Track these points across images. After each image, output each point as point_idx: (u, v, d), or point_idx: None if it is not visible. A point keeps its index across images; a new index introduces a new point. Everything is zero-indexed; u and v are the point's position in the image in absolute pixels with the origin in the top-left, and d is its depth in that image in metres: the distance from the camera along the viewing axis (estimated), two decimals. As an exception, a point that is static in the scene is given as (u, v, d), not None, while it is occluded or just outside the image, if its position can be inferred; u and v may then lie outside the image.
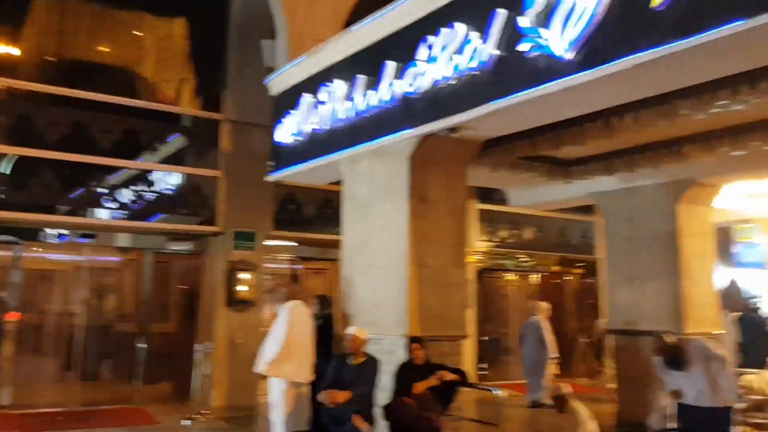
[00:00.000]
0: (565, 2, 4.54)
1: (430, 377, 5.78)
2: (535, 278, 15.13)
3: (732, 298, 12.98)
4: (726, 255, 13.39)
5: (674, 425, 6.40)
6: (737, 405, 6.01)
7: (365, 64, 6.58)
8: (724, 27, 3.70)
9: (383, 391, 5.94)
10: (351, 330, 6.00)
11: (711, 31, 3.77)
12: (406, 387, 5.81)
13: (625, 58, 4.19)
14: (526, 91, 4.87)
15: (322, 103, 7.20)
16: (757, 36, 3.71)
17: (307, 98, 7.50)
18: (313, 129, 7.42)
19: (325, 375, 5.95)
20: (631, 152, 7.46)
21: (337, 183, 8.07)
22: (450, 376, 5.83)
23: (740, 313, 12.31)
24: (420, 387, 5.77)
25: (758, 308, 14.18)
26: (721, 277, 10.19)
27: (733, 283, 14.49)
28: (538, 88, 4.78)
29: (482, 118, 5.42)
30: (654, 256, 8.36)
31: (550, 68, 4.68)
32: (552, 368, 9.46)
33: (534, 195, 9.86)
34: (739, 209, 10.10)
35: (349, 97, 6.76)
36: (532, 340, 9.47)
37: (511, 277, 14.58)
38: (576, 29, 4.46)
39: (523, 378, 9.94)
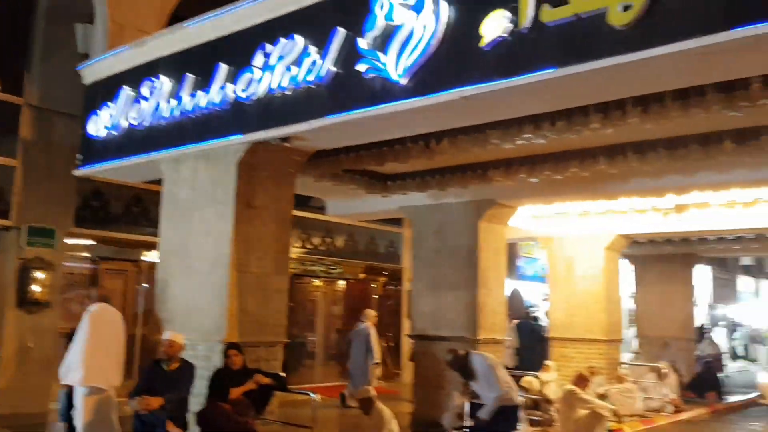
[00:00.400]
0: (402, 31, 4.86)
1: (246, 383, 5.82)
2: (341, 285, 15.59)
3: (514, 307, 14.49)
4: (511, 268, 14.90)
5: (467, 423, 7.07)
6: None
7: (196, 63, 6.43)
8: (538, 72, 4.23)
9: (198, 397, 5.86)
10: (168, 335, 5.84)
11: (527, 75, 4.29)
12: (221, 392, 5.79)
13: (453, 90, 4.61)
14: (362, 110, 5.12)
15: (145, 98, 6.89)
16: (563, 82, 4.29)
17: (127, 91, 7.13)
18: (132, 124, 7.07)
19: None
20: (443, 172, 8.06)
21: (153, 182, 7.76)
22: (266, 381, 5.92)
23: (519, 321, 13.81)
24: (236, 392, 5.78)
25: (536, 317, 15.97)
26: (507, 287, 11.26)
27: (515, 293, 16.17)
28: (373, 108, 5.06)
29: (316, 131, 5.59)
30: (456, 268, 9.09)
31: (385, 90, 4.97)
32: (377, 372, 9.86)
33: (351, 206, 10.23)
34: (527, 228, 11.28)
35: (176, 96, 6.55)
36: (359, 346, 9.79)
37: (318, 283, 14.90)
38: (411, 57, 4.80)
39: (327, 381, 10.27)
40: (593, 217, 10.49)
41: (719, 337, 21.29)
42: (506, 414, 6.53)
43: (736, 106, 4.82)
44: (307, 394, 6.14)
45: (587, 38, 4.02)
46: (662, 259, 14.24)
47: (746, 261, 30.35)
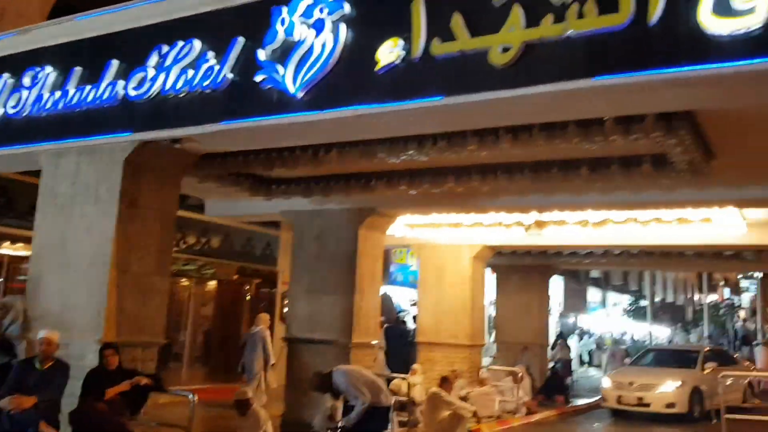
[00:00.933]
0: (302, 47, 5.12)
1: (122, 383, 5.79)
2: (212, 286, 15.45)
3: (385, 311, 15.02)
4: (384, 274, 15.43)
5: (337, 424, 7.36)
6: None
7: (86, 57, 6.32)
8: (426, 100, 4.65)
9: (72, 397, 5.75)
10: (43, 333, 5.69)
11: (416, 101, 4.69)
12: (96, 392, 5.71)
13: (348, 108, 4.92)
14: (257, 119, 5.32)
15: (27, 87, 6.64)
16: (447, 110, 4.73)
17: (5, 78, 6.83)
18: (9, 113, 6.78)
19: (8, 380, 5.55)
20: (327, 179, 8.33)
21: (24, 173, 7.47)
22: (144, 381, 5.91)
23: (388, 325, 14.36)
24: (111, 392, 5.73)
25: (405, 321, 16.62)
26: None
27: (386, 298, 16.73)
28: (268, 118, 5.27)
29: (209, 135, 5.70)
30: (334, 273, 9.38)
31: (281, 102, 5.20)
32: (271, 375, 9.87)
33: (231, 206, 10.26)
34: (401, 235, 11.82)
35: (61, 88, 6.38)
36: (253, 348, 9.79)
37: (187, 283, 14.69)
38: (309, 73, 5.07)
39: (193, 383, 10.19)
40: (463, 228, 11.20)
41: (570, 344, 23.04)
42: (376, 415, 6.90)
43: (592, 139, 5.48)
44: (186, 395, 6.18)
45: (471, 73, 4.48)
46: (522, 269, 15.32)
47: (595, 273, 33.05)
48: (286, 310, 14.58)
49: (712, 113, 5.08)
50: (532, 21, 4.30)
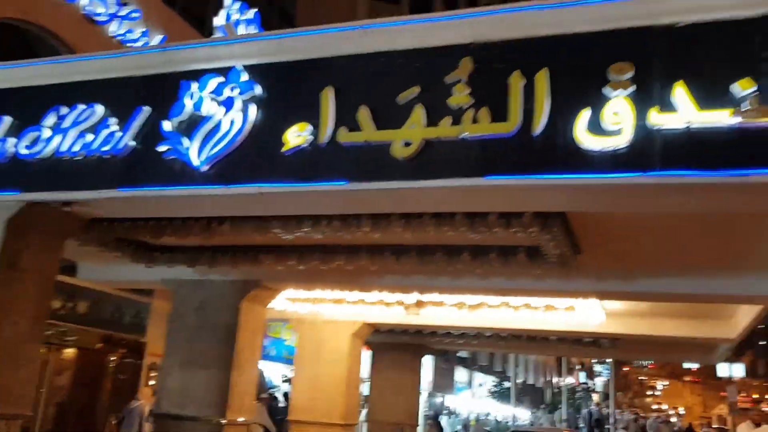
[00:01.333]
0: (210, 122, 5.25)
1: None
2: (70, 354, 14.47)
3: (257, 387, 14.70)
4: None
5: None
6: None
7: (-27, 110, 6.06)
8: (330, 183, 4.89)
9: None
10: None
11: (321, 184, 4.92)
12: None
13: (253, 185, 5.07)
14: (158, 188, 5.32)
15: None
16: (350, 194, 4.99)
17: None
18: None
19: None
20: (214, 249, 8.29)
21: None
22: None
23: (260, 401, 14.04)
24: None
25: (276, 397, 16.31)
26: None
27: (259, 373, 16.38)
28: (170, 188, 5.28)
29: (105, 201, 5.60)
30: (212, 346, 9.17)
31: (184, 174, 5.25)
32: None
33: (107, 271, 9.86)
34: (281, 309, 11.77)
35: (-57, 138, 6.06)
36: (132, 422, 9.18)
37: (43, 350, 13.68)
38: (216, 148, 5.18)
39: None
40: (345, 304, 11.37)
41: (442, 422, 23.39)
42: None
43: (477, 229, 5.91)
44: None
45: (374, 162, 4.79)
46: (397, 348, 15.59)
47: (463, 354, 34.00)
48: (152, 382, 13.93)
49: (581, 215, 5.68)
50: (432, 121, 4.70)
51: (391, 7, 26.29)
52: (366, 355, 16.04)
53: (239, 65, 5.32)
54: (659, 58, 4.32)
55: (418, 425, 16.41)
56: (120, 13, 13.77)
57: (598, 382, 73.85)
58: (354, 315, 11.90)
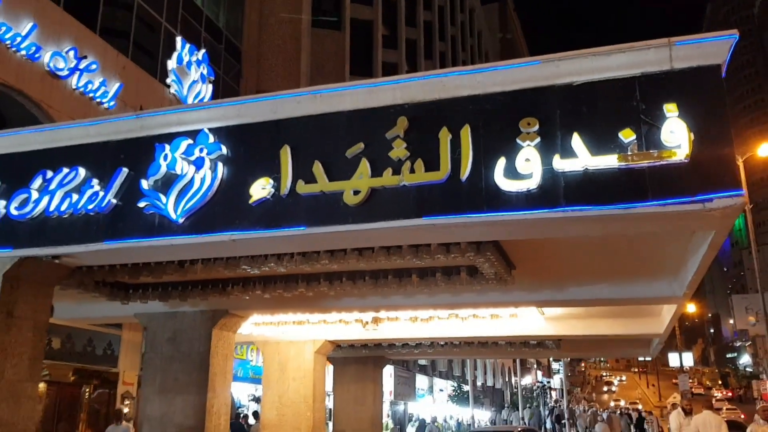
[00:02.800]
0: (183, 180, 6.00)
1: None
2: (45, 387, 14.80)
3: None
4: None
5: None
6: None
7: (-37, 175, 6.66)
8: (291, 229, 5.70)
9: None
10: None
11: (283, 230, 5.72)
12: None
13: (225, 233, 5.83)
14: (141, 240, 6.04)
15: None
16: (309, 237, 5.80)
17: None
18: None
19: None
20: (185, 284, 8.97)
21: None
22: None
23: (230, 422, 14.63)
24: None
25: (246, 416, 16.87)
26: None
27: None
28: (151, 239, 6.01)
29: (92, 253, 6.28)
30: (187, 372, 9.83)
31: (163, 226, 5.98)
32: None
33: (82, 309, 10.41)
34: (247, 333, 12.45)
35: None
36: None
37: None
38: (190, 203, 5.93)
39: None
40: (307, 325, 12.14)
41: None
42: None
43: (421, 257, 6.79)
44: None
45: (329, 209, 5.62)
46: (358, 360, 16.39)
47: (423, 362, 34.95)
48: (126, 410, 14.40)
49: (509, 240, 6.62)
50: (376, 172, 5.56)
51: (332, 33, 27.24)
52: (329, 370, 16.79)
53: (206, 128, 6.10)
54: (559, 112, 5.27)
55: (382, 433, 17.19)
56: (80, 66, 14.36)
57: (557, 380, 75.81)
58: (316, 334, 12.68)
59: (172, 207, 5.97)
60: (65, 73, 14.01)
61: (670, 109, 4.91)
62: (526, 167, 5.20)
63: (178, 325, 10.01)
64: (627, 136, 5.00)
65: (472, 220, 5.33)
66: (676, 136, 4.84)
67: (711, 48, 4.95)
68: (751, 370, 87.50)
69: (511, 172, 5.24)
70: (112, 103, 14.97)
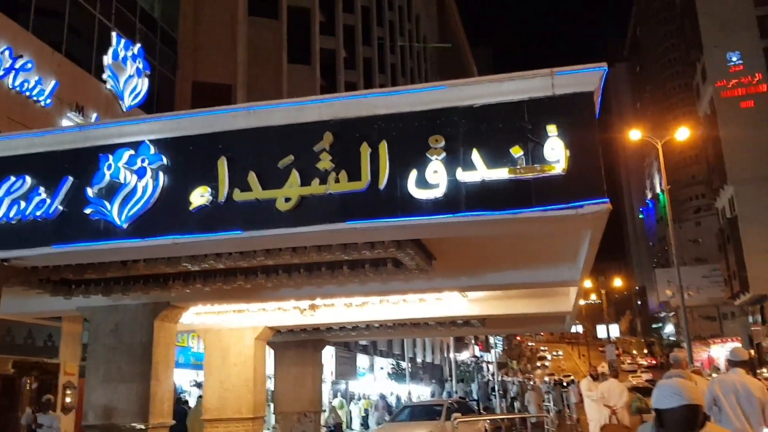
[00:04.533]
0: (127, 188, 6.56)
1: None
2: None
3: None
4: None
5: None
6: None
7: None
8: (229, 233, 6.36)
9: None
10: None
11: (221, 234, 6.37)
12: None
13: (167, 237, 6.45)
14: (87, 244, 6.58)
15: None
16: (246, 240, 6.47)
17: None
18: None
19: None
20: (127, 279, 9.47)
21: None
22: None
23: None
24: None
25: (187, 401, 17.42)
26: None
27: (169, 381, 17.44)
28: (97, 243, 6.56)
29: (40, 256, 6.78)
30: (130, 362, 10.34)
31: (108, 231, 6.55)
32: None
33: (23, 304, 10.73)
34: (189, 323, 12.99)
35: None
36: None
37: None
38: (134, 209, 6.51)
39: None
40: (247, 312, 12.77)
41: (342, 407, 25.13)
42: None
43: (349, 253, 7.55)
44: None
45: (263, 215, 6.30)
46: (297, 344, 17.08)
47: (364, 342, 35.93)
48: (68, 400, 14.75)
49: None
50: (305, 181, 6.26)
51: (269, 21, 27.46)
52: (271, 354, 17.46)
53: (147, 140, 6.66)
54: (462, 131, 6.08)
55: (322, 411, 17.99)
56: (15, 66, 14.41)
57: (494, 354, 77.92)
58: (256, 321, 13.32)
59: (116, 213, 6.53)
60: (0, 73, 14.06)
61: (551, 130, 5.79)
62: (434, 178, 6.00)
63: (120, 317, 10.49)
64: (516, 152, 5.86)
65: (388, 223, 6.11)
66: (556, 152, 5.73)
67: (585, 78, 5.83)
68: (674, 339, 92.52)
69: (422, 182, 6.03)
70: (48, 101, 15.08)
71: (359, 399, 30.53)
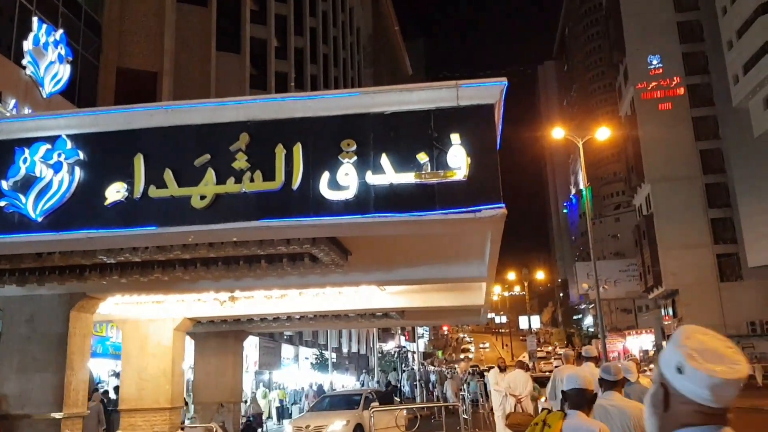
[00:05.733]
0: (42, 182, 6.62)
1: None
2: None
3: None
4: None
5: None
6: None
7: None
8: (144, 228, 6.52)
9: None
10: None
11: (137, 229, 6.53)
12: None
13: (82, 231, 6.55)
14: (2, 237, 6.61)
15: None
16: (161, 235, 6.65)
17: None
18: None
19: None
20: (42, 270, 9.42)
21: None
22: None
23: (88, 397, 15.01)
24: None
25: (106, 390, 17.21)
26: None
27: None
28: (11, 236, 6.60)
29: (-49, 247, 6.75)
30: (46, 352, 10.29)
31: (23, 224, 6.59)
32: None
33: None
34: (107, 313, 12.93)
35: None
36: None
37: None
38: (49, 203, 6.57)
39: None
40: (166, 303, 12.81)
41: (261, 398, 25.27)
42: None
43: (266, 249, 7.83)
44: None
45: (178, 211, 6.49)
46: (218, 335, 17.18)
47: (288, 332, 36.03)
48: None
49: (339, 234, 7.78)
50: (221, 180, 6.49)
51: (198, 9, 27.09)
52: (191, 344, 17.47)
53: (64, 135, 6.73)
54: (372, 136, 6.44)
55: (241, 402, 18.15)
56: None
57: (421, 344, 79.15)
58: (175, 312, 13.38)
59: (31, 206, 6.58)
60: None
61: (455, 138, 6.21)
62: (345, 180, 6.34)
63: (35, 307, 10.41)
64: (422, 158, 6.26)
65: (301, 222, 6.42)
66: (458, 159, 6.16)
67: (487, 91, 6.29)
68: (593, 330, 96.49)
69: (334, 184, 6.36)
70: (-36, 85, 14.58)
71: (274, 389, 30.59)
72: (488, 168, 6.16)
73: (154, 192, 6.51)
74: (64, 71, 17.43)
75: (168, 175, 6.53)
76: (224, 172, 6.50)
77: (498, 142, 6.49)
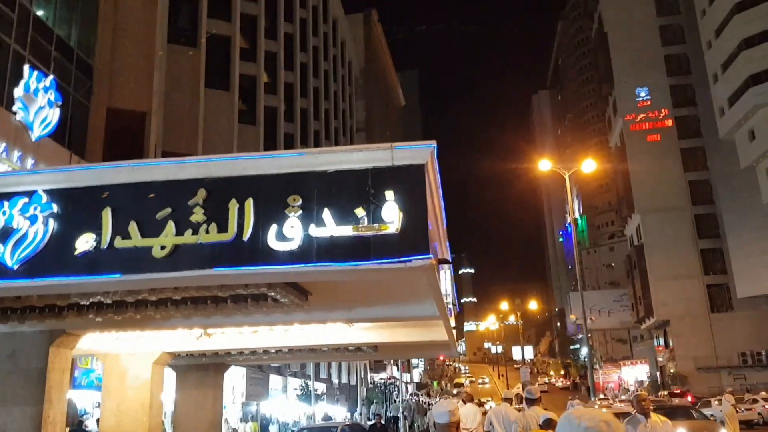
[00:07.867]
0: (19, 233, 7.32)
1: None
2: None
3: (68, 416, 16.13)
4: (69, 379, 16.56)
5: None
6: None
7: None
8: (110, 276, 7.20)
9: None
10: None
11: (102, 276, 7.21)
12: None
13: (54, 278, 7.23)
14: (-20, 283, 7.29)
15: None
16: (126, 281, 7.33)
17: None
18: None
19: None
20: (24, 309, 10.08)
21: None
22: None
23: (71, 428, 15.54)
24: None
25: (87, 425, 17.72)
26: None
27: (69, 402, 17.70)
28: (-11, 282, 7.28)
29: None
30: (26, 386, 10.88)
31: (1, 272, 7.27)
32: None
33: None
34: (88, 348, 13.53)
35: None
36: None
37: None
38: (25, 252, 7.26)
39: None
40: (144, 338, 13.42)
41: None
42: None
43: (227, 292, 8.50)
44: None
45: (141, 260, 7.17)
46: (199, 368, 17.73)
47: (275, 364, 36.40)
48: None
49: (293, 278, 8.47)
50: (180, 231, 7.18)
51: (188, 50, 28.10)
52: (171, 377, 18.01)
53: (40, 190, 7.45)
54: (316, 192, 7.15)
55: (221, 434, 18.62)
56: None
57: (416, 374, 79.00)
58: (153, 347, 13.99)
59: (8, 255, 7.27)
60: None
61: (389, 195, 6.93)
62: (291, 232, 7.03)
63: (17, 343, 11.03)
64: (360, 212, 6.97)
65: (250, 271, 7.10)
66: (391, 214, 6.87)
67: (418, 153, 7.02)
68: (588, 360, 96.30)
69: (280, 236, 7.06)
70: (-46, 132, 15.31)
71: (249, 420, 30.75)
72: (418, 222, 6.87)
73: (119, 242, 7.20)
74: (53, 115, 18.21)
75: (132, 227, 7.23)
76: (183, 224, 7.20)
77: (441, 197, 7.23)
